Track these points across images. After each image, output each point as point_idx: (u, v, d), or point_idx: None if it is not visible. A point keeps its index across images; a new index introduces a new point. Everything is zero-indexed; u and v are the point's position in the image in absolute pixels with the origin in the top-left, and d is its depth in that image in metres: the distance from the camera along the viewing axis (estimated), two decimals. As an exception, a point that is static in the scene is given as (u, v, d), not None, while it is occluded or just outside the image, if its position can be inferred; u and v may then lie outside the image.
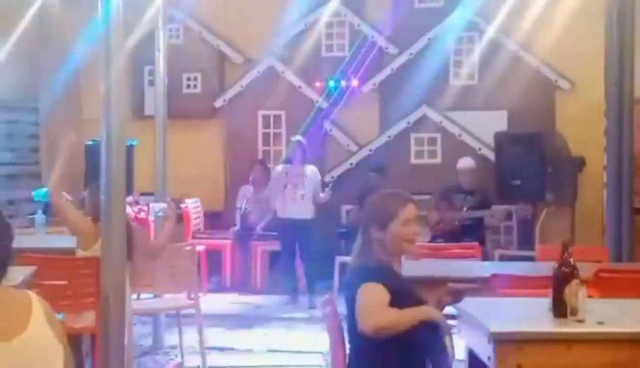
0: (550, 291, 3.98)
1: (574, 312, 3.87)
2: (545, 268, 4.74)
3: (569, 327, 3.81)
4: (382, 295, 3.82)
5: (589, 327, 3.80)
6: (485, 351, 3.84)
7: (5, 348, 2.61)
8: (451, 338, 3.80)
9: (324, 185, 10.16)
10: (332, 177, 10.88)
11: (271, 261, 10.73)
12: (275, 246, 10.25)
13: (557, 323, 3.86)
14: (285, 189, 9.80)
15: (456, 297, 4.02)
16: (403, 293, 3.90)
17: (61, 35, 11.37)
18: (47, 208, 8.55)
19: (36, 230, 8.40)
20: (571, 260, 3.92)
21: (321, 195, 9.91)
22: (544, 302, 4.05)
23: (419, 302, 3.93)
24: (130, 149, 9.02)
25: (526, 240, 10.16)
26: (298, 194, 9.78)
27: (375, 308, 3.77)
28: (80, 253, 5.92)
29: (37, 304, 2.71)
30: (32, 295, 2.74)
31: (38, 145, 11.24)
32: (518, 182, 9.85)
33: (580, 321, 3.85)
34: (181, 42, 11.69)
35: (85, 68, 10.55)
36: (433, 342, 3.79)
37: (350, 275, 4.08)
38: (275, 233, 10.23)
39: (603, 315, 3.94)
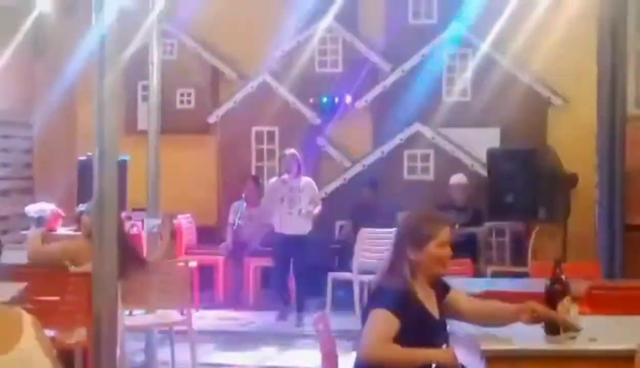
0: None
1: (567, 329, 3.87)
2: (539, 285, 4.74)
3: (561, 345, 3.81)
4: (389, 326, 3.78)
5: (581, 344, 3.80)
6: (477, 368, 3.84)
7: (-4, 365, 2.60)
8: None
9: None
10: (326, 193, 10.86)
11: (264, 277, 10.70)
12: (268, 262, 10.22)
13: (549, 340, 3.86)
14: (282, 203, 9.75)
15: (535, 321, 3.94)
16: (419, 325, 3.86)
17: (56, 50, 11.37)
18: (40, 224, 8.53)
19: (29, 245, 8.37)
20: (563, 277, 3.93)
21: (317, 203, 9.85)
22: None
23: (436, 335, 3.91)
24: (122, 164, 9.01)
25: (519, 257, 10.17)
26: (295, 209, 9.73)
27: (375, 338, 3.75)
28: (73, 269, 5.91)
29: (27, 321, 2.70)
30: (23, 312, 2.73)
31: (31, 160, 11.22)
32: (511, 199, 9.86)
33: (573, 338, 3.85)
34: (175, 57, 11.71)
35: (80, 82, 10.54)
36: None
37: (371, 292, 4.14)
38: (269, 248, 10.19)
39: (595, 331, 3.94)
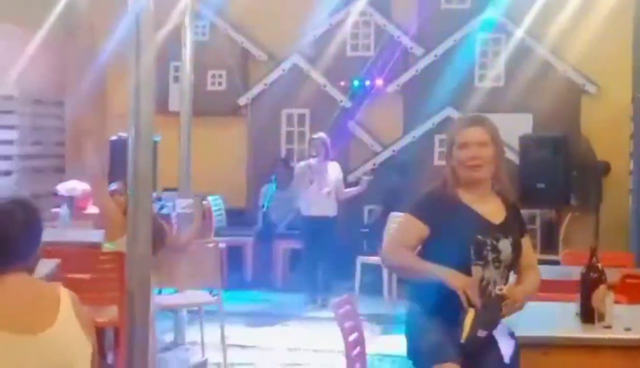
0: (577, 296, 3.95)
1: (602, 317, 3.84)
2: (571, 272, 4.72)
3: (596, 333, 3.78)
4: (411, 232, 3.79)
5: (616, 333, 3.77)
6: (510, 354, 3.80)
7: (31, 342, 2.61)
8: (472, 320, 3.62)
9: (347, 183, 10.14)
10: (356, 178, 10.73)
11: (292, 259, 10.72)
12: (297, 244, 10.24)
13: (584, 328, 3.83)
14: (311, 186, 9.76)
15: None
16: (462, 223, 3.78)
17: (88, 29, 11.42)
18: (71, 202, 8.58)
19: (60, 223, 8.42)
20: (599, 265, 3.89)
21: (344, 189, 9.87)
22: (570, 307, 4.03)
23: (488, 234, 3.79)
24: (154, 145, 9.02)
25: (550, 244, 10.10)
26: (324, 191, 9.74)
27: (389, 243, 3.84)
28: (106, 247, 5.93)
29: (65, 298, 2.71)
30: (61, 288, 2.74)
31: (63, 139, 11.28)
32: (542, 186, 9.80)
33: (608, 327, 3.82)
34: (207, 39, 11.70)
35: (112, 63, 10.57)
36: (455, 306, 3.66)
37: None
38: (297, 231, 10.21)
39: (630, 321, 3.91)
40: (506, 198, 3.94)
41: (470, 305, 3.61)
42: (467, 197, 3.87)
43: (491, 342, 3.70)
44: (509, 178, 4.02)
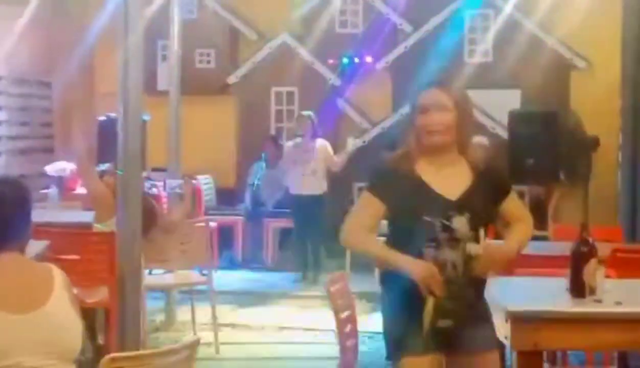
0: (567, 271, 3.95)
1: (592, 291, 3.83)
2: (561, 247, 4.72)
3: (587, 307, 3.78)
4: (368, 210, 3.57)
5: (607, 307, 3.77)
6: (502, 330, 3.81)
7: (25, 320, 2.62)
8: (431, 309, 3.42)
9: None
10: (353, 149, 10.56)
11: (282, 238, 10.72)
12: (287, 223, 10.24)
13: (575, 302, 3.83)
14: (297, 165, 9.76)
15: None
16: (406, 203, 3.51)
17: (75, 9, 11.34)
18: (60, 183, 8.55)
19: (49, 204, 8.40)
20: (590, 239, 3.88)
21: (335, 160, 9.84)
22: (561, 282, 4.03)
23: (438, 213, 3.47)
24: (143, 124, 8.99)
25: (539, 220, 10.10)
26: (309, 170, 9.74)
27: (348, 224, 3.59)
28: (97, 227, 5.91)
29: (58, 277, 2.72)
30: (54, 268, 2.74)
31: (51, 119, 11.22)
32: (531, 161, 9.75)
33: (599, 301, 3.81)
34: (195, 17, 11.64)
35: (99, 42, 10.51)
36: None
37: None
38: (286, 210, 10.21)
39: (620, 295, 3.91)
40: (476, 165, 3.64)
41: (431, 293, 3.40)
42: (426, 169, 3.58)
43: (476, 331, 3.57)
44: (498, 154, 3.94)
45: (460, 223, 3.50)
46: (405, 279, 3.43)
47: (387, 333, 3.67)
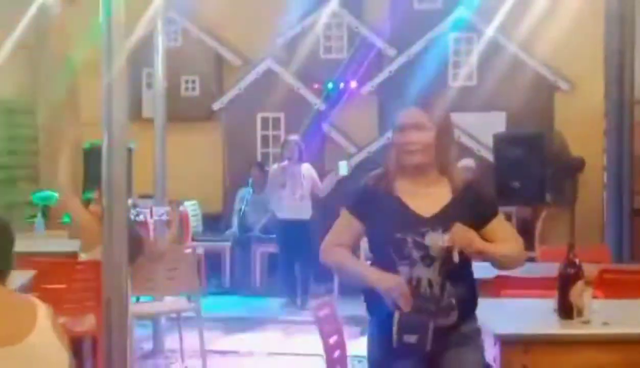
0: (555, 292, 3.96)
1: (580, 312, 3.85)
2: (548, 269, 4.73)
3: (575, 329, 3.79)
4: (345, 229, 3.59)
5: (595, 328, 3.78)
6: (490, 352, 3.81)
7: (9, 353, 2.59)
8: (397, 324, 3.38)
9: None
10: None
11: (270, 263, 10.70)
12: (275, 248, 10.22)
13: (563, 324, 3.84)
14: (284, 189, 9.75)
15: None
16: (380, 220, 3.49)
17: (60, 37, 11.34)
18: (45, 212, 8.53)
19: (35, 234, 8.37)
20: (577, 260, 3.90)
21: (320, 185, 9.83)
22: (549, 303, 4.03)
23: (415, 233, 3.42)
24: (128, 152, 8.98)
25: (526, 242, 10.09)
26: (297, 195, 9.74)
27: (326, 241, 3.62)
28: (82, 257, 5.90)
29: (42, 309, 2.70)
30: (36, 300, 2.72)
31: (37, 148, 11.20)
32: (517, 184, 9.81)
33: (586, 322, 3.83)
34: (179, 45, 11.66)
35: (83, 70, 10.52)
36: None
37: None
38: (274, 235, 10.20)
39: (608, 315, 3.92)
40: (456, 185, 3.56)
41: (397, 307, 3.36)
42: (405, 188, 3.54)
43: (458, 354, 3.50)
44: (484, 177, 3.86)
45: (433, 240, 3.43)
46: (382, 299, 3.40)
47: (368, 355, 3.68)
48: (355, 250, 3.68)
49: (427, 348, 3.40)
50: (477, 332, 3.61)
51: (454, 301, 3.46)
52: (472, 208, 3.54)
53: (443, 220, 3.47)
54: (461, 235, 3.39)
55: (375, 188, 3.57)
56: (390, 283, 3.39)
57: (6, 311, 2.66)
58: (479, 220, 3.55)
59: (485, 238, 3.53)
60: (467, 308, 3.56)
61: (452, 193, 3.56)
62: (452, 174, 3.61)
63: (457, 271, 3.44)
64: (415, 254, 3.44)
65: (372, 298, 3.52)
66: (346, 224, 3.62)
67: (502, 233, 3.65)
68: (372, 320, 3.63)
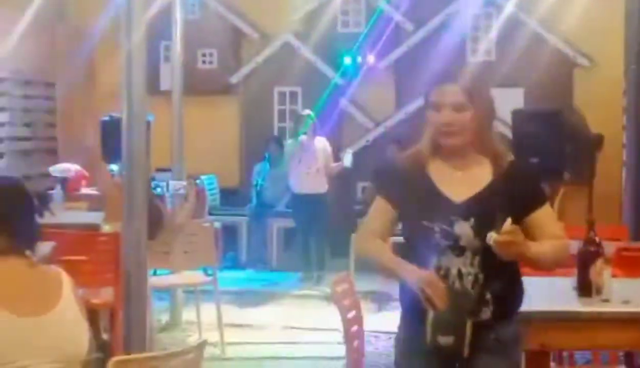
0: (574, 270, 3.94)
1: (599, 291, 3.83)
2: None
3: (595, 307, 3.78)
4: (378, 215, 3.31)
5: (615, 306, 3.77)
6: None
7: (35, 324, 2.62)
8: (431, 324, 3.11)
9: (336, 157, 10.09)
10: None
11: (287, 238, 10.72)
12: (291, 223, 10.24)
13: (582, 302, 3.83)
14: (300, 164, 9.76)
15: None
16: (411, 206, 3.23)
17: (77, 9, 11.34)
18: (64, 184, 8.55)
19: (53, 205, 8.38)
20: (596, 238, 3.88)
21: (332, 165, 9.87)
22: (568, 282, 4.02)
23: (445, 220, 3.15)
24: (148, 125, 8.98)
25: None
26: (313, 169, 9.76)
27: (362, 229, 3.38)
28: (106, 228, 5.91)
29: (67, 282, 2.72)
30: (61, 271, 2.74)
31: (54, 120, 11.22)
32: (535, 160, 9.75)
33: (606, 300, 3.81)
34: (197, 17, 11.63)
35: (100, 43, 10.52)
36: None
37: None
38: (290, 209, 10.22)
39: (627, 294, 3.90)
40: (499, 165, 3.24)
41: (431, 305, 3.06)
42: (440, 170, 3.26)
43: (492, 360, 3.19)
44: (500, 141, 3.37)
45: (462, 229, 3.15)
46: (415, 296, 3.11)
47: (396, 354, 3.42)
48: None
49: (464, 352, 3.10)
50: (516, 339, 3.28)
51: (488, 295, 3.16)
52: (512, 194, 3.19)
53: (476, 206, 3.18)
54: (505, 251, 3.05)
55: (407, 171, 3.28)
56: (423, 280, 3.07)
57: (32, 282, 2.68)
58: (520, 208, 3.19)
59: (525, 229, 3.16)
60: (505, 306, 3.22)
61: (492, 175, 3.24)
62: (494, 154, 3.28)
63: (494, 261, 3.10)
64: (444, 243, 3.16)
65: (405, 293, 3.25)
66: (378, 210, 3.31)
67: (549, 227, 3.26)
68: (401, 312, 3.36)
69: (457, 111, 3.19)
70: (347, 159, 9.81)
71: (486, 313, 3.16)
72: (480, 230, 3.11)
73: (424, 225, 3.17)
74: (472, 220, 3.15)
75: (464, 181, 3.25)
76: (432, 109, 3.23)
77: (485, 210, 3.14)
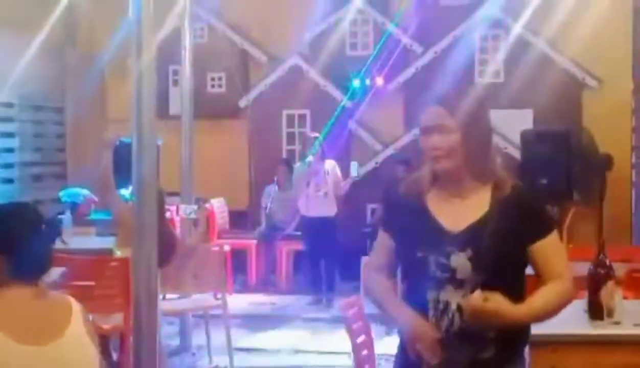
0: (584, 292, 3.92)
1: (610, 313, 3.81)
2: (576, 268, 4.68)
3: (605, 329, 3.76)
4: (379, 246, 3.18)
5: (626, 329, 3.75)
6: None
7: (39, 353, 2.60)
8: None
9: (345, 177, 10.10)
10: (357, 175, 10.56)
11: (296, 261, 10.71)
12: (300, 245, 10.24)
13: (593, 325, 3.81)
14: (309, 187, 9.77)
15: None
16: (405, 236, 3.07)
17: (87, 35, 11.40)
18: (73, 209, 8.55)
19: (63, 231, 8.39)
20: (607, 260, 3.87)
21: (341, 185, 9.87)
22: (578, 304, 4.00)
23: (440, 251, 2.97)
24: (157, 149, 8.99)
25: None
26: (321, 192, 9.77)
27: (368, 263, 3.29)
28: (118, 253, 5.91)
29: (77, 310, 2.71)
30: (70, 298, 2.74)
31: (64, 145, 11.26)
32: (544, 181, 9.75)
33: (617, 323, 3.80)
34: (205, 41, 11.68)
35: (110, 67, 10.57)
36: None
37: None
38: (300, 232, 10.21)
39: (639, 316, 3.88)
40: (498, 191, 3.03)
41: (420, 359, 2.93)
42: (437, 197, 3.08)
43: None
44: (511, 174, 3.16)
45: (458, 262, 2.96)
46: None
47: None
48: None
49: None
50: None
51: (491, 333, 2.94)
52: (513, 223, 2.97)
53: (473, 236, 2.96)
54: (474, 316, 2.86)
55: (405, 198, 3.11)
56: (413, 331, 2.93)
57: (40, 310, 2.67)
58: (523, 237, 3.00)
59: (531, 259, 3.03)
60: (509, 345, 3.01)
61: (490, 204, 3.02)
62: (494, 180, 3.06)
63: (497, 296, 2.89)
64: (440, 276, 2.97)
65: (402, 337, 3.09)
66: (382, 244, 3.17)
67: (553, 261, 3.06)
68: (401, 346, 3.16)
69: (442, 133, 3.00)
70: (354, 168, 9.84)
71: (488, 353, 2.97)
72: (479, 262, 2.94)
73: (418, 257, 3.00)
74: (469, 251, 2.96)
75: (461, 210, 3.04)
76: (421, 132, 3.08)
77: (482, 240, 2.95)
